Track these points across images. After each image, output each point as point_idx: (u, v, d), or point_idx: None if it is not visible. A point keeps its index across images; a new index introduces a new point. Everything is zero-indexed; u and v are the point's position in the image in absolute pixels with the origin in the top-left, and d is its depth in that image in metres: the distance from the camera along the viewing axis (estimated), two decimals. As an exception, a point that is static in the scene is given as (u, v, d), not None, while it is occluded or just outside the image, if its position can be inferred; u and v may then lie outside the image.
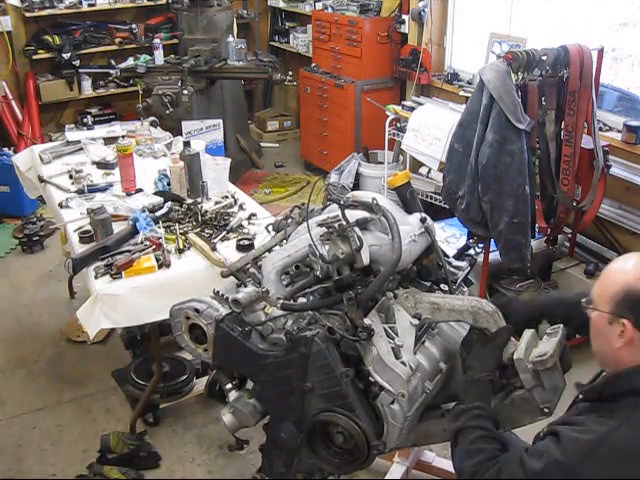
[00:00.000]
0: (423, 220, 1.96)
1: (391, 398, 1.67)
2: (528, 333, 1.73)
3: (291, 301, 1.80)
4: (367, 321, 1.69)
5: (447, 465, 2.63)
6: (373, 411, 1.71)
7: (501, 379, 1.74)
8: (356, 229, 1.74)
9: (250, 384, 1.92)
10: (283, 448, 1.84)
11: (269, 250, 2.05)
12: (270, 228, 2.18)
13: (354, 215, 1.80)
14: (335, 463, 1.78)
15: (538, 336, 1.75)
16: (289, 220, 2.12)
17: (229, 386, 1.92)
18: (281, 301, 1.75)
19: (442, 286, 1.99)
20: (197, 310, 1.90)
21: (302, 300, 1.84)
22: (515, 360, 1.66)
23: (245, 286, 1.92)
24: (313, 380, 1.71)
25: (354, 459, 1.74)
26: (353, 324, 1.70)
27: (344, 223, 1.73)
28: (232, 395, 1.90)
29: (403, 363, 1.67)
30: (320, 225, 1.78)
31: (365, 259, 1.73)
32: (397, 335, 1.73)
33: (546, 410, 1.68)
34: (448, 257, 2.10)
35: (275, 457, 1.88)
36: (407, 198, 2.06)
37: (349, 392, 1.68)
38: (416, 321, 1.77)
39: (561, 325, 1.72)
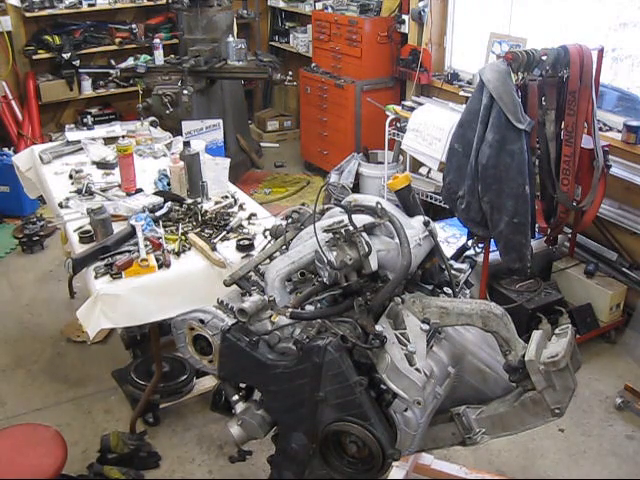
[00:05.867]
0: (427, 223, 1.94)
1: (404, 405, 1.65)
2: (537, 334, 1.72)
3: (299, 309, 1.76)
4: (378, 328, 1.66)
5: (445, 467, 2.63)
6: (386, 419, 1.68)
7: (511, 381, 1.73)
8: (364, 234, 1.72)
9: (257, 395, 1.87)
10: (293, 459, 1.79)
11: (270, 257, 2.01)
12: (267, 234, 2.13)
13: (360, 220, 1.78)
14: (348, 473, 1.74)
15: (547, 337, 1.74)
16: (285, 224, 2.08)
17: (236, 397, 1.86)
18: (290, 310, 1.72)
19: (445, 289, 1.98)
20: (202, 321, 1.85)
21: (309, 308, 1.80)
22: (526, 362, 1.65)
23: (250, 295, 1.86)
24: (326, 389, 1.67)
25: (368, 468, 1.71)
26: (364, 331, 1.67)
27: (350, 228, 1.70)
28: (239, 407, 1.84)
29: (417, 370, 1.65)
30: (326, 231, 1.75)
31: (374, 265, 1.71)
32: (408, 341, 1.70)
33: (557, 411, 1.68)
34: (449, 260, 2.08)
35: (285, 469, 1.83)
36: (409, 201, 2.03)
37: (363, 401, 1.64)
38: (426, 326, 1.75)
39: (570, 325, 1.71)
